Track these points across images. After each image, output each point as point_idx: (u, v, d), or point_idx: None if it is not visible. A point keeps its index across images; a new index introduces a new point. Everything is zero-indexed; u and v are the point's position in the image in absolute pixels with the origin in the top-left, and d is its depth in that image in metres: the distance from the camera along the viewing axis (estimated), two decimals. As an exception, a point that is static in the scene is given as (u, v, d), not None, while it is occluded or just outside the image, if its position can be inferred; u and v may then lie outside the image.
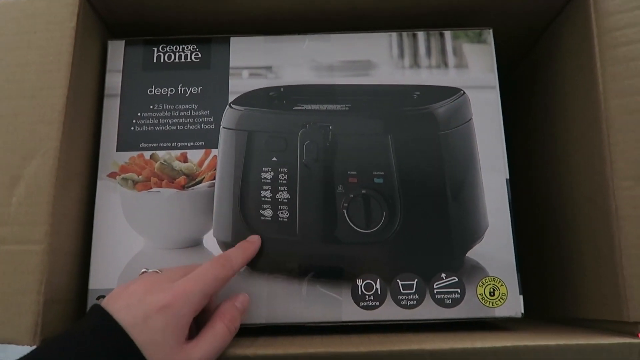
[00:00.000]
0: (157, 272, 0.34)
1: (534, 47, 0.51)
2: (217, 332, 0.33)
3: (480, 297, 0.38)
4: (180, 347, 0.30)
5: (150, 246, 0.40)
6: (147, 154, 0.41)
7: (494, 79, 0.42)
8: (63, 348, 0.29)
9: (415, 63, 0.43)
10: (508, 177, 0.40)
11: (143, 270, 0.35)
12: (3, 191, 0.37)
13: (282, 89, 0.42)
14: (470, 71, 0.42)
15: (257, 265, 0.39)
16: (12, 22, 0.39)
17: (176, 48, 0.43)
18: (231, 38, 0.44)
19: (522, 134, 0.53)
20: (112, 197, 0.40)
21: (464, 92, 0.42)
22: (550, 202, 0.47)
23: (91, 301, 0.39)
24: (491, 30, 0.43)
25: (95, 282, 0.39)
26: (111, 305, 0.30)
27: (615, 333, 0.36)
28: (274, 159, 0.40)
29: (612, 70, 0.38)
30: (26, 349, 0.31)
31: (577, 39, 0.41)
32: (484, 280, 0.39)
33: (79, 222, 0.40)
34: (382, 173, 0.40)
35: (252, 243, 0.39)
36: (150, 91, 0.42)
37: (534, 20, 0.46)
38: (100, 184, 0.41)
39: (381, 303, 0.38)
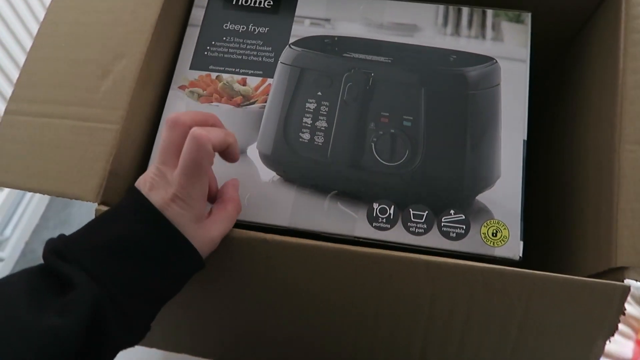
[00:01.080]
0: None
1: (575, 37, 0.55)
2: (228, 213, 0.40)
3: (482, 235, 0.42)
4: (200, 223, 0.37)
5: (203, 148, 0.46)
6: (213, 75, 0.48)
7: (525, 53, 0.47)
8: (115, 217, 0.36)
9: (456, 32, 0.48)
10: (525, 138, 0.44)
11: None
12: (95, 81, 0.45)
13: (336, 38, 0.49)
14: (505, 44, 0.47)
15: (289, 176, 0.45)
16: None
17: (253, -6, 0.51)
18: (301, -9, 0.51)
19: (547, 110, 0.57)
20: (178, 105, 0.48)
21: (496, 61, 0.46)
22: (562, 164, 0.50)
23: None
24: (530, 14, 0.48)
25: (153, 170, 0.46)
26: (143, 187, 0.37)
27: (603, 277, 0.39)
28: (319, 93, 0.46)
29: (633, 50, 0.42)
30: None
31: (608, 28, 0.45)
32: (488, 221, 0.42)
33: (149, 120, 0.47)
34: (411, 117, 0.45)
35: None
36: (226, 26, 0.50)
37: (576, 9, 0.51)
38: (171, 93, 0.48)
39: (392, 226, 0.43)
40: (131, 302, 0.33)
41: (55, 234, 0.36)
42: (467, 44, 0.48)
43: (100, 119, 0.44)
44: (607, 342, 0.39)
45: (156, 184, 0.36)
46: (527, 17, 0.48)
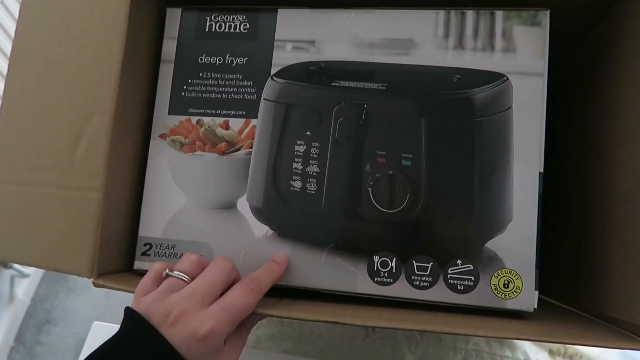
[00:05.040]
0: (185, 281, 0.36)
1: (592, 29, 0.47)
2: (243, 341, 0.38)
3: (493, 287, 0.39)
4: (217, 358, 0.35)
5: (191, 204, 0.44)
6: (194, 119, 0.45)
7: (542, 65, 0.40)
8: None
9: (460, 44, 0.42)
10: (542, 171, 0.39)
11: (166, 272, 0.37)
12: (69, 145, 0.42)
13: (322, 64, 0.43)
14: (518, 56, 0.41)
15: (283, 231, 0.42)
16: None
17: (227, 18, 0.45)
18: (279, 10, 0.45)
19: (564, 123, 0.50)
20: (161, 156, 0.45)
21: (507, 78, 0.40)
22: (586, 194, 0.45)
23: (140, 246, 0.44)
24: (548, 12, 0.40)
25: (144, 230, 0.44)
26: (154, 318, 0.34)
27: (626, 336, 0.35)
28: (308, 133, 0.42)
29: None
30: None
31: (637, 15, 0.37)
32: (499, 271, 0.39)
33: (133, 174, 0.45)
34: (411, 155, 0.40)
35: (280, 264, 0.41)
36: (201, 59, 0.45)
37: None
38: (152, 143, 0.45)
39: (394, 280, 0.40)
40: None
41: None
42: (473, 58, 0.41)
43: (81, 187, 0.42)
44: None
45: (185, 320, 0.34)
46: (545, 16, 0.41)
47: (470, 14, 0.42)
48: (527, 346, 0.63)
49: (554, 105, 0.44)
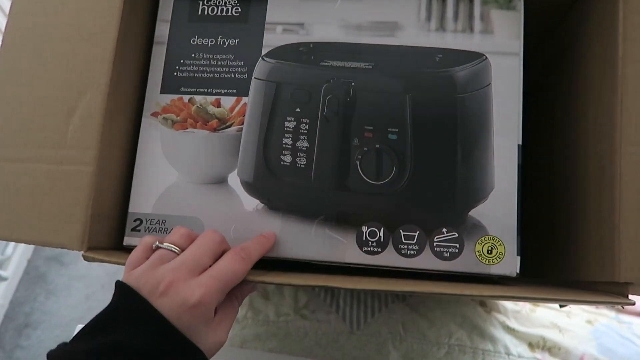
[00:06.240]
0: (175, 253, 0.37)
1: (565, 16, 0.50)
2: (235, 311, 0.38)
3: (477, 253, 0.40)
4: (209, 328, 0.35)
5: (183, 179, 0.45)
6: (185, 98, 0.46)
7: (518, 45, 0.43)
8: (114, 326, 0.33)
9: (441, 26, 0.44)
10: (520, 143, 0.41)
11: (156, 244, 0.37)
12: (62, 120, 0.43)
13: (311, 45, 0.45)
14: (495, 37, 0.43)
15: (273, 204, 0.43)
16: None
17: (219, 2, 0.47)
18: (269, -5, 0.47)
19: (543, 102, 0.53)
20: (153, 133, 0.46)
21: (486, 57, 0.43)
22: (561, 166, 0.47)
23: (130, 222, 0.45)
24: (522, -2, 0.43)
25: (134, 206, 0.45)
26: (144, 289, 0.34)
27: (606, 293, 0.37)
28: (298, 109, 0.44)
29: (634, 35, 0.37)
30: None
31: (606, 6, 0.40)
32: (483, 238, 0.40)
33: (124, 151, 0.46)
34: (397, 130, 0.42)
35: (268, 239, 0.42)
36: (193, 41, 0.47)
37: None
38: (144, 121, 0.46)
39: (383, 250, 0.41)
40: None
41: (55, 251, 0.35)
42: (453, 39, 0.44)
43: (73, 161, 0.42)
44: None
45: (174, 290, 0.34)
46: (520, 1, 0.43)
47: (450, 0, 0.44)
48: (507, 340, 0.65)
49: (534, 86, 0.46)
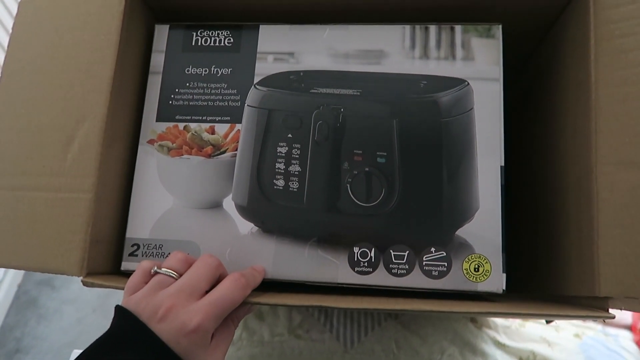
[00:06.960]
0: (173, 278, 0.38)
1: (541, 44, 0.53)
2: (231, 334, 0.39)
3: (465, 271, 0.42)
4: (207, 352, 0.36)
5: (178, 205, 0.46)
6: (181, 125, 0.47)
7: (498, 71, 0.45)
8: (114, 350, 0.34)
9: (425, 54, 0.46)
10: (503, 164, 0.43)
11: (154, 269, 0.38)
12: (60, 148, 0.44)
13: (301, 73, 0.47)
14: (477, 63, 0.45)
15: (267, 227, 0.45)
16: (72, 5, 0.46)
17: (212, 33, 0.49)
18: (260, 26, 0.49)
19: (524, 125, 0.55)
20: (149, 160, 0.47)
21: (468, 83, 0.45)
22: (542, 187, 0.49)
23: (127, 247, 0.46)
24: (500, 26, 0.46)
25: (132, 231, 0.46)
26: (144, 314, 0.35)
27: (588, 307, 0.39)
28: (289, 135, 0.45)
29: (605, 61, 0.40)
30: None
31: (578, 33, 0.43)
32: (470, 256, 0.42)
33: (121, 178, 0.47)
34: (385, 153, 0.44)
35: (260, 272, 0.43)
36: (188, 70, 0.48)
37: (542, 17, 0.48)
38: (140, 149, 0.47)
39: (374, 269, 0.43)
40: None
41: (46, 276, 0.36)
42: (437, 66, 0.46)
43: (72, 189, 0.43)
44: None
45: (173, 315, 0.35)
46: (498, 30, 0.46)
47: (433, 28, 0.47)
48: (498, 355, 0.66)
49: (515, 111, 0.48)
